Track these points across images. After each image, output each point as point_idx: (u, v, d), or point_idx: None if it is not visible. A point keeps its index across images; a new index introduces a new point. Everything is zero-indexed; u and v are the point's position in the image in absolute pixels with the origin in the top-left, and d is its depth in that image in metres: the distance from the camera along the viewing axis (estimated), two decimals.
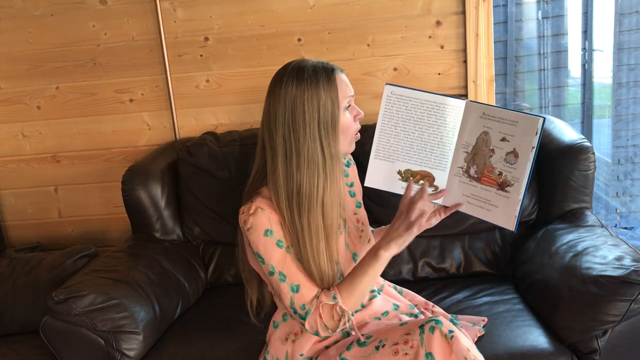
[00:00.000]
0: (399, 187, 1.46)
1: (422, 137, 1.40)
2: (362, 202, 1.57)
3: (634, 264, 1.47)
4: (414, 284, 1.93)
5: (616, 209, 3.82)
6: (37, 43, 2.34)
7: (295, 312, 1.32)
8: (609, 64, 3.78)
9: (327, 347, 1.41)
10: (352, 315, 1.32)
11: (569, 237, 1.73)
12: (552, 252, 1.71)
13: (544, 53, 3.96)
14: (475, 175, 1.36)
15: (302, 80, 1.31)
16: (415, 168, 1.41)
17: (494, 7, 2.28)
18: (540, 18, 3.95)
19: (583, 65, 3.98)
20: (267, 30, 2.26)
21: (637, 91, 3.68)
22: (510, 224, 1.32)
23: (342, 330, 1.32)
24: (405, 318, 1.48)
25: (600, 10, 3.80)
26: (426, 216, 1.37)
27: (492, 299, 1.76)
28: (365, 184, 1.45)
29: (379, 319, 1.48)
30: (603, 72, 3.91)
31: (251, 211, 1.32)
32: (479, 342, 1.52)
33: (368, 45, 2.25)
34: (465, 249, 2.02)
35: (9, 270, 1.99)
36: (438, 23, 2.21)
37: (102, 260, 1.87)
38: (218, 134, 2.22)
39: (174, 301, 1.84)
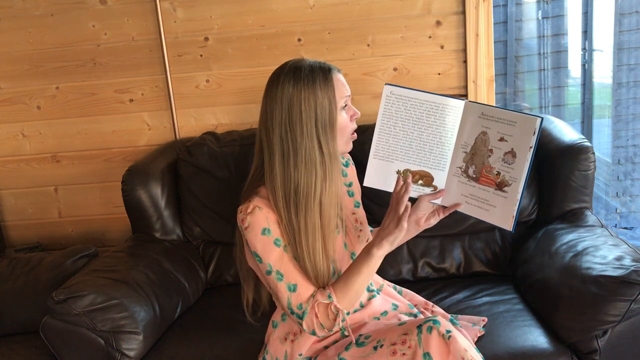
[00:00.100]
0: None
1: (421, 137, 1.40)
2: (360, 202, 1.57)
3: (634, 264, 1.47)
4: (414, 284, 1.93)
5: (616, 209, 3.82)
6: (37, 43, 2.34)
7: (292, 312, 1.32)
8: (609, 64, 3.78)
9: (326, 347, 1.41)
10: (348, 314, 1.32)
11: (569, 237, 1.73)
12: (552, 252, 1.71)
13: (544, 53, 3.96)
14: (474, 175, 1.37)
15: (299, 79, 1.31)
16: (414, 168, 1.41)
17: (494, 7, 2.28)
18: (540, 18, 3.95)
19: (583, 65, 3.98)
20: (267, 30, 2.26)
21: (637, 91, 3.68)
22: (508, 224, 1.32)
23: (339, 329, 1.32)
24: (405, 318, 1.48)
25: (600, 10, 3.80)
26: (421, 212, 1.39)
27: (492, 299, 1.76)
28: (364, 184, 1.46)
29: (378, 318, 1.48)
30: (603, 72, 3.91)
31: (249, 210, 1.33)
32: (479, 342, 1.52)
33: (368, 45, 2.25)
34: (465, 249, 2.02)
35: (9, 270, 1.99)
36: (438, 23, 2.21)
37: (102, 260, 1.87)
38: (218, 134, 2.22)
39: (174, 301, 1.84)
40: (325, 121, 1.32)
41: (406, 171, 1.42)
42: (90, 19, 2.30)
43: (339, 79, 1.36)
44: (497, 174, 1.33)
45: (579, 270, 1.55)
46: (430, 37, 2.22)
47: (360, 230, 1.51)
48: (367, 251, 1.30)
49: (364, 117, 2.16)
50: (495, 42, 2.67)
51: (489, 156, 1.34)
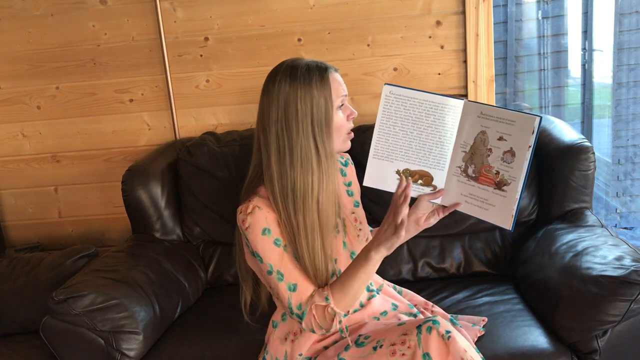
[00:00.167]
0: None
1: (420, 137, 1.40)
2: (360, 202, 1.57)
3: (634, 264, 1.47)
4: (414, 283, 1.93)
5: (616, 209, 3.82)
6: (37, 43, 2.34)
7: (292, 312, 1.33)
8: (609, 64, 3.78)
9: (325, 348, 1.41)
10: (345, 316, 1.32)
11: (569, 237, 1.73)
12: (552, 252, 1.71)
13: (544, 53, 3.96)
14: (473, 175, 1.37)
15: (295, 78, 1.31)
16: (413, 167, 1.41)
17: (494, 7, 2.28)
18: (540, 18, 3.95)
19: (583, 65, 3.98)
20: (267, 30, 2.26)
21: (637, 91, 3.68)
22: (507, 223, 1.33)
23: (337, 329, 1.32)
24: (404, 318, 1.48)
25: (600, 10, 3.80)
26: (420, 212, 1.40)
27: (492, 299, 1.76)
28: (364, 184, 1.46)
29: (378, 319, 1.48)
30: (603, 72, 3.91)
31: (249, 210, 1.33)
32: (479, 342, 1.52)
33: (368, 45, 2.25)
34: (465, 249, 2.02)
35: (9, 270, 1.99)
36: (438, 23, 2.21)
37: (102, 260, 1.87)
38: (218, 134, 2.22)
39: (174, 301, 1.84)
40: (321, 120, 1.32)
41: (406, 171, 1.42)
42: (90, 19, 2.30)
43: (336, 78, 1.36)
44: (496, 173, 1.33)
45: (579, 270, 1.55)
46: (430, 37, 2.22)
47: (360, 229, 1.51)
48: (365, 254, 1.30)
49: (364, 117, 2.17)
50: (495, 42, 2.67)
51: (488, 155, 1.34)
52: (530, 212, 1.99)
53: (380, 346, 1.29)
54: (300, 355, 1.41)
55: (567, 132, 1.99)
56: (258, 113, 1.37)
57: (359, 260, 1.31)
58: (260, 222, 1.32)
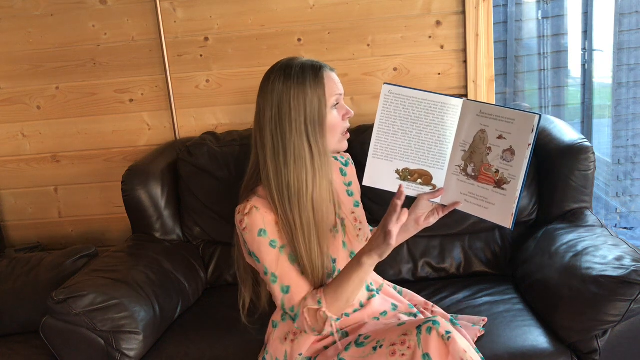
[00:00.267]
0: (397, 186, 1.46)
1: (420, 136, 1.40)
2: (360, 202, 1.57)
3: (634, 264, 1.47)
4: (414, 283, 1.93)
5: (616, 209, 3.82)
6: (37, 43, 2.34)
7: (285, 313, 1.35)
8: (609, 64, 3.78)
9: (326, 347, 1.41)
10: (337, 320, 1.32)
11: (569, 237, 1.73)
12: (552, 252, 1.71)
13: (544, 53, 3.96)
14: (473, 174, 1.37)
15: (289, 77, 1.32)
16: (413, 167, 1.41)
17: (494, 7, 2.28)
18: (540, 18, 3.95)
19: (583, 65, 3.98)
20: (267, 30, 2.26)
21: (637, 91, 3.68)
22: (507, 222, 1.32)
23: (328, 333, 1.33)
24: (404, 318, 1.48)
25: (600, 10, 3.80)
26: (420, 211, 1.41)
27: (492, 299, 1.76)
28: (364, 183, 1.46)
29: (378, 319, 1.48)
30: (603, 72, 3.91)
31: (246, 211, 1.33)
32: (479, 342, 1.52)
33: (368, 45, 2.25)
34: (465, 249, 2.02)
35: (9, 270, 1.99)
36: (438, 23, 2.21)
37: (102, 260, 1.87)
38: (218, 134, 2.22)
39: (174, 301, 1.84)
40: (315, 119, 1.32)
41: (405, 170, 1.42)
42: (90, 19, 2.30)
43: (331, 77, 1.36)
44: (496, 172, 1.33)
45: (579, 270, 1.55)
46: (430, 37, 2.22)
47: (360, 229, 1.51)
48: (358, 259, 1.30)
49: (364, 117, 2.17)
50: (495, 42, 2.67)
51: (488, 154, 1.34)
52: (530, 212, 1.99)
53: (380, 346, 1.29)
54: (300, 355, 1.41)
55: (567, 132, 1.99)
56: (255, 112, 1.38)
57: (352, 265, 1.31)
58: (257, 223, 1.33)
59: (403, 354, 1.25)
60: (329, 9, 2.23)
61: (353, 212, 1.53)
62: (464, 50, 2.22)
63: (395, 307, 1.53)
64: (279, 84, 1.32)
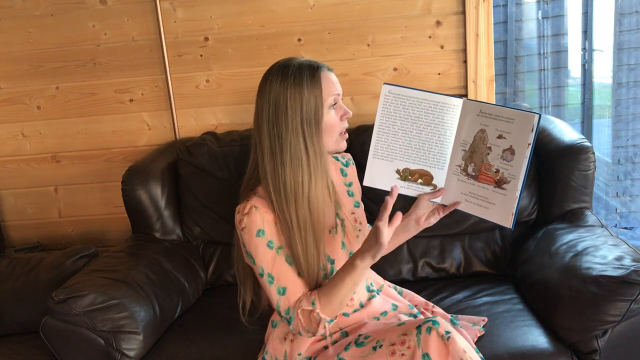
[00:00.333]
0: (397, 187, 1.46)
1: (420, 136, 1.40)
2: (360, 202, 1.57)
3: (634, 264, 1.47)
4: (414, 284, 1.93)
5: (616, 209, 3.82)
6: (37, 43, 2.34)
7: (281, 315, 1.35)
8: (609, 64, 3.78)
9: (325, 347, 1.41)
10: (331, 321, 1.32)
11: (569, 237, 1.73)
12: (552, 252, 1.71)
13: (544, 53, 3.96)
14: (473, 173, 1.37)
15: (286, 77, 1.32)
16: (413, 167, 1.41)
17: (494, 7, 2.28)
18: (540, 18, 3.95)
19: (583, 65, 3.98)
20: (267, 30, 2.26)
21: (637, 91, 3.68)
22: (508, 222, 1.33)
23: (321, 336, 1.33)
24: (405, 318, 1.48)
25: (600, 10, 3.80)
26: (421, 211, 1.41)
27: (492, 299, 1.76)
28: (364, 183, 1.46)
29: (378, 319, 1.48)
30: (603, 72, 3.91)
31: (246, 210, 1.34)
32: (479, 342, 1.52)
33: (368, 45, 2.25)
34: (465, 249, 2.02)
35: (9, 270, 1.99)
36: (438, 23, 2.21)
37: (102, 260, 1.87)
38: (218, 134, 2.22)
39: (174, 301, 1.84)
40: (311, 119, 1.32)
41: (405, 170, 1.42)
42: (90, 19, 2.30)
43: (329, 77, 1.36)
44: (496, 172, 1.33)
45: (579, 270, 1.55)
46: (430, 37, 2.22)
47: (360, 230, 1.51)
48: (351, 262, 1.30)
49: (364, 117, 2.17)
50: (495, 42, 2.67)
51: (488, 154, 1.34)
52: (530, 212, 1.99)
53: (380, 346, 1.29)
54: (299, 354, 1.41)
55: (567, 132, 1.99)
56: (254, 112, 1.38)
57: (346, 267, 1.31)
58: (256, 223, 1.33)
59: (403, 354, 1.25)
60: (329, 9, 2.23)
61: (353, 213, 1.53)
62: (464, 50, 2.22)
63: (395, 307, 1.53)
64: (277, 83, 1.33)
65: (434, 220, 1.47)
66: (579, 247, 1.64)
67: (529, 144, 1.28)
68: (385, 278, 1.69)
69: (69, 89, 2.37)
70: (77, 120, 2.40)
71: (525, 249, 1.90)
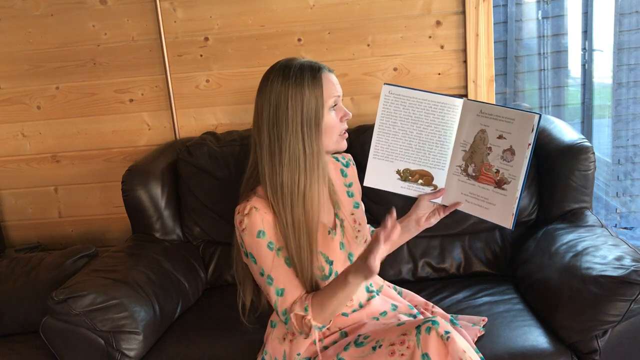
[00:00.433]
0: (398, 187, 1.46)
1: (420, 137, 1.40)
2: (360, 203, 1.57)
3: (634, 264, 1.47)
4: (414, 284, 1.93)
5: (616, 209, 3.82)
6: (37, 43, 2.34)
7: (278, 315, 1.37)
8: (609, 64, 3.78)
9: (325, 348, 1.41)
10: (322, 328, 1.34)
11: (569, 237, 1.73)
12: (552, 252, 1.71)
13: (544, 53, 3.96)
14: (474, 174, 1.37)
15: (287, 77, 1.32)
16: (413, 167, 1.41)
17: (494, 7, 2.28)
18: (540, 18, 3.95)
19: (583, 65, 3.98)
20: (267, 30, 2.26)
21: (637, 91, 3.68)
22: (508, 222, 1.33)
23: (314, 339, 1.35)
24: (404, 318, 1.48)
25: (600, 10, 3.80)
26: (421, 212, 1.41)
27: (492, 299, 1.76)
28: (364, 184, 1.46)
29: (377, 319, 1.48)
30: (603, 72, 3.91)
31: (246, 211, 1.34)
32: (479, 342, 1.52)
33: (368, 45, 2.25)
34: (465, 249, 2.02)
35: (9, 270, 1.99)
36: (438, 23, 2.21)
37: (102, 260, 1.87)
38: (218, 134, 2.22)
39: (174, 301, 1.84)
40: (311, 120, 1.32)
41: (406, 171, 1.42)
42: (90, 19, 2.30)
43: (329, 78, 1.36)
44: (496, 172, 1.33)
45: (579, 270, 1.55)
46: (430, 37, 2.22)
47: (359, 231, 1.51)
48: (345, 276, 1.29)
49: (364, 117, 2.17)
50: (495, 42, 2.67)
51: (488, 154, 1.34)
52: (530, 212, 1.99)
53: (380, 346, 1.29)
54: (299, 354, 1.41)
55: (567, 132, 1.99)
56: (254, 112, 1.38)
57: (339, 280, 1.31)
58: (256, 224, 1.34)
59: (402, 354, 1.25)
60: (329, 9, 2.23)
61: (352, 214, 1.53)
62: (464, 50, 2.22)
63: (395, 307, 1.53)
64: (277, 84, 1.33)
65: (434, 220, 1.47)
66: (579, 247, 1.64)
67: (529, 144, 1.28)
68: (385, 278, 1.69)
69: (69, 89, 2.37)
70: (77, 120, 2.40)
71: (525, 249, 1.90)
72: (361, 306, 1.48)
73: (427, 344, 1.24)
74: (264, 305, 1.52)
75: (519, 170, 1.30)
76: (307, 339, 1.38)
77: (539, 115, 1.28)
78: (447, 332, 1.25)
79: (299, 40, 2.26)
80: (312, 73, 1.33)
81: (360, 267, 1.25)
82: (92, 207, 2.47)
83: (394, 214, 1.21)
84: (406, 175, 1.43)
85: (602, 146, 3.93)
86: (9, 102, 2.40)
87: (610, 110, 3.78)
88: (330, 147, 1.39)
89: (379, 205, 1.94)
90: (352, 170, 1.60)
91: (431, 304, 1.65)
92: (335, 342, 1.42)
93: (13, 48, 2.35)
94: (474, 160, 1.36)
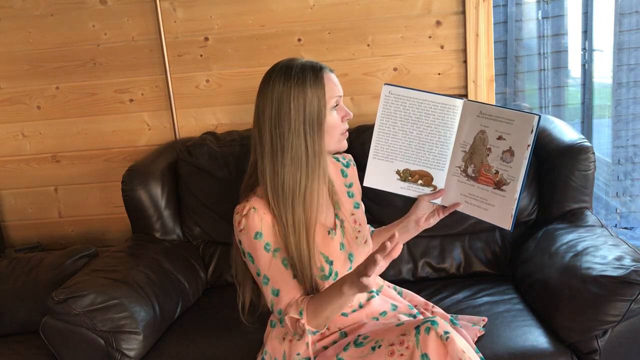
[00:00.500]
0: (397, 187, 1.46)
1: (420, 137, 1.40)
2: (360, 203, 1.57)
3: (634, 264, 1.47)
4: (414, 284, 1.93)
5: (616, 209, 3.82)
6: (37, 43, 2.34)
7: (273, 313, 1.38)
8: (609, 64, 3.78)
9: (325, 348, 1.41)
10: (315, 333, 1.34)
11: (569, 237, 1.73)
12: (552, 252, 1.71)
13: (544, 53, 3.96)
14: (473, 175, 1.37)
15: (289, 77, 1.32)
16: (413, 168, 1.41)
17: (494, 7, 2.28)
18: (540, 18, 3.95)
19: (583, 65, 3.98)
20: (267, 30, 2.26)
21: (637, 91, 3.67)
22: (507, 223, 1.32)
23: (306, 342, 1.36)
24: (404, 318, 1.48)
25: (600, 10, 3.80)
26: (421, 212, 1.41)
27: (492, 299, 1.76)
28: (364, 184, 1.46)
29: (377, 319, 1.48)
30: (603, 72, 3.91)
31: (244, 212, 1.35)
32: (479, 342, 1.52)
33: (368, 45, 2.25)
34: (465, 249, 2.02)
35: (9, 270, 1.99)
36: (438, 23, 2.21)
37: (102, 260, 1.87)
38: (218, 134, 2.22)
39: (174, 301, 1.84)
40: (314, 119, 1.33)
41: (406, 171, 1.42)
42: (90, 19, 2.30)
43: (331, 78, 1.36)
44: (495, 173, 1.33)
45: (579, 270, 1.55)
46: (430, 37, 2.22)
47: (359, 231, 1.51)
48: (340, 286, 1.29)
49: (364, 117, 2.17)
50: (495, 42, 2.67)
51: (488, 155, 1.34)
52: (530, 212, 1.99)
53: (379, 346, 1.29)
54: (298, 354, 1.41)
55: (567, 132, 1.99)
56: (254, 113, 1.38)
57: (335, 288, 1.31)
58: (254, 225, 1.34)
59: (402, 354, 1.25)
60: (329, 9, 2.23)
61: (353, 214, 1.53)
62: (464, 50, 2.22)
63: (394, 307, 1.53)
64: (279, 84, 1.33)
65: (433, 221, 1.47)
66: (579, 247, 1.64)
67: (529, 146, 1.28)
68: (385, 278, 1.69)
69: (69, 89, 2.37)
70: (77, 120, 2.40)
71: (525, 249, 1.90)
72: (361, 306, 1.48)
73: (427, 344, 1.24)
74: (264, 305, 1.52)
75: (518, 171, 1.30)
76: (297, 340, 1.39)
77: (538, 117, 1.28)
78: (446, 332, 1.25)
79: (299, 40, 2.26)
80: (314, 73, 1.34)
81: (355, 281, 1.25)
82: (92, 207, 2.47)
83: (397, 236, 1.20)
84: (406, 176, 1.43)
85: (602, 146, 3.93)
86: (9, 102, 2.40)
87: (610, 110, 3.78)
88: (332, 147, 1.39)
89: (379, 205, 1.94)
90: (353, 171, 1.60)
91: (431, 304, 1.65)
92: (334, 342, 1.42)
93: (13, 48, 2.35)
94: (474, 161, 1.36)
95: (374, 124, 1.44)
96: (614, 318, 1.46)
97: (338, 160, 1.58)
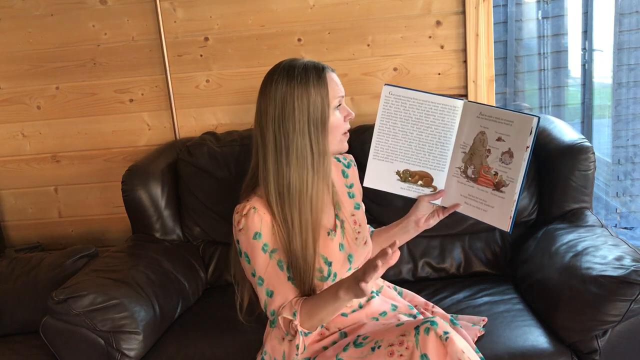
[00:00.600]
0: (397, 188, 1.46)
1: (420, 138, 1.40)
2: (361, 204, 1.56)
3: (634, 264, 1.47)
4: (414, 284, 1.93)
5: (616, 209, 3.82)
6: (37, 43, 2.34)
7: (266, 314, 1.38)
8: (609, 64, 3.78)
9: (325, 348, 1.41)
10: (307, 334, 1.35)
11: (569, 237, 1.73)
12: (552, 252, 1.71)
13: (544, 53, 3.96)
14: (473, 176, 1.37)
15: (292, 78, 1.32)
16: (413, 168, 1.41)
17: (494, 7, 2.28)
18: (540, 18, 3.95)
19: (583, 65, 3.98)
20: (267, 30, 2.26)
21: (637, 91, 3.67)
22: (506, 225, 1.32)
23: (297, 344, 1.35)
24: (404, 318, 1.48)
25: (600, 10, 3.80)
26: (420, 213, 1.41)
27: (492, 299, 1.76)
28: (364, 184, 1.46)
29: (377, 319, 1.48)
30: (603, 72, 3.91)
31: (244, 211, 1.35)
32: (479, 342, 1.52)
33: (368, 45, 2.25)
34: (465, 249, 2.02)
35: (9, 270, 1.99)
36: (438, 23, 2.21)
37: (102, 260, 1.87)
38: (218, 134, 2.22)
39: (174, 301, 1.84)
40: (317, 119, 1.33)
41: (406, 172, 1.42)
42: (90, 19, 2.30)
43: (333, 78, 1.36)
44: (494, 174, 1.33)
45: (579, 270, 1.55)
46: (430, 37, 2.22)
47: (359, 232, 1.51)
48: (336, 290, 1.29)
49: (364, 117, 2.17)
50: (495, 42, 2.67)
51: (487, 156, 1.34)
52: (530, 212, 1.99)
53: (379, 347, 1.29)
54: (297, 355, 1.41)
55: (567, 132, 1.99)
56: (256, 113, 1.38)
57: (331, 292, 1.31)
58: (253, 225, 1.34)
59: (401, 355, 1.25)
60: (329, 9, 2.23)
61: (353, 215, 1.53)
62: (464, 50, 2.22)
63: (394, 307, 1.53)
64: (282, 84, 1.32)
65: (433, 222, 1.47)
66: (579, 247, 1.64)
67: (528, 147, 1.28)
68: (385, 278, 1.69)
69: (69, 89, 2.37)
70: (77, 120, 2.40)
71: (525, 249, 1.90)
72: (361, 306, 1.48)
73: (426, 345, 1.24)
74: None
75: (517, 173, 1.30)
76: (289, 340, 1.39)
77: (537, 118, 1.28)
78: (445, 333, 1.25)
79: (299, 40, 2.26)
80: (316, 73, 1.34)
81: (352, 286, 1.25)
82: (92, 207, 2.47)
83: (397, 245, 1.21)
84: (406, 176, 1.43)
85: (602, 146, 3.93)
86: (9, 102, 2.40)
87: (610, 110, 3.78)
88: (333, 148, 1.39)
89: (379, 206, 1.94)
90: (353, 171, 1.60)
91: (431, 304, 1.65)
92: (334, 342, 1.42)
93: (13, 48, 2.35)
94: (474, 162, 1.36)
95: (374, 124, 1.44)
96: (614, 318, 1.46)
97: (339, 161, 1.58)
